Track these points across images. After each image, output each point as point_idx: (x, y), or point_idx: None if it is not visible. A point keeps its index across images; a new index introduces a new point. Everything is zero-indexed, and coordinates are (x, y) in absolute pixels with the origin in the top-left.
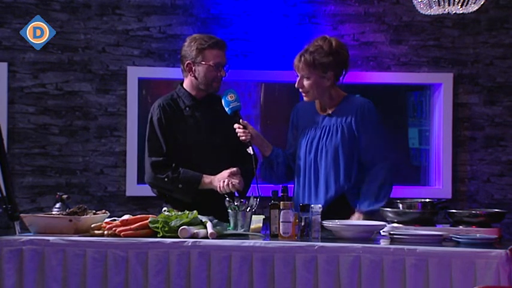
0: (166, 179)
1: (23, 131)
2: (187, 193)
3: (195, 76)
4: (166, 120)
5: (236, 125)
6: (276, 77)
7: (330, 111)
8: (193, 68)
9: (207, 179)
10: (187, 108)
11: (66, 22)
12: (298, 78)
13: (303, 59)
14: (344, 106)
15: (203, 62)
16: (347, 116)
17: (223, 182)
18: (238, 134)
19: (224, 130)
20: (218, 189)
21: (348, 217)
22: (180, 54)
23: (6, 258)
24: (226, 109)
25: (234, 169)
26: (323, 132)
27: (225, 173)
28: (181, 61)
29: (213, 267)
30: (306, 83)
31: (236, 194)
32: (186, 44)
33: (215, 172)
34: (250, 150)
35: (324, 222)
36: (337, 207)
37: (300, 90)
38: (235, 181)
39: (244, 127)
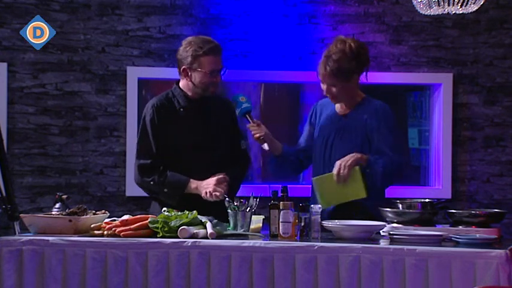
0: (152, 183)
1: (23, 131)
2: (172, 197)
3: (191, 81)
4: (159, 121)
5: (249, 125)
6: (276, 77)
7: (347, 112)
8: (190, 73)
9: (193, 184)
10: (181, 109)
11: (66, 22)
12: (325, 86)
13: (328, 68)
14: (361, 109)
15: (199, 69)
16: (362, 119)
17: (208, 191)
18: (253, 133)
19: (218, 132)
20: (202, 196)
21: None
22: (176, 57)
23: (6, 259)
24: (237, 110)
25: (221, 176)
26: (337, 133)
27: (212, 180)
28: (177, 64)
29: (212, 267)
30: (333, 90)
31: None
32: (181, 48)
33: (205, 174)
34: (265, 146)
35: (323, 222)
36: (344, 209)
37: (328, 96)
38: (219, 191)
39: (258, 125)
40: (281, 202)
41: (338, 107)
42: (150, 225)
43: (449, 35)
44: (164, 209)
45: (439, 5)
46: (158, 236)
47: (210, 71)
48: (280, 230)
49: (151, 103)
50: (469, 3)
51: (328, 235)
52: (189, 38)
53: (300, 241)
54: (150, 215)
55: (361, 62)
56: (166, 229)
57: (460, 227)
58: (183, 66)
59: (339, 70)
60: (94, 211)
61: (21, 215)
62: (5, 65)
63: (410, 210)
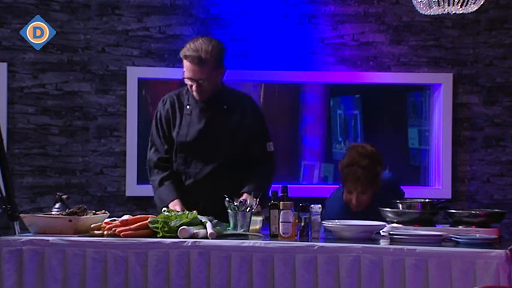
0: (150, 183)
1: (23, 131)
2: (158, 205)
3: None
4: (166, 114)
5: None
6: (276, 77)
7: (367, 205)
8: None
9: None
10: (188, 106)
11: (66, 22)
12: (355, 195)
13: (360, 179)
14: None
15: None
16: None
17: None
18: None
19: (225, 135)
20: None
21: None
22: None
23: (6, 259)
24: None
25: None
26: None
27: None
28: None
29: (212, 267)
30: (364, 197)
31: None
32: None
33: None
34: None
35: (323, 222)
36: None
37: (354, 202)
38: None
39: None
40: (281, 202)
41: (351, 201)
42: (150, 225)
43: (449, 35)
44: (164, 209)
45: (439, 5)
46: (158, 236)
47: (185, 75)
48: (280, 230)
49: (163, 98)
50: (469, 3)
51: (328, 235)
52: (195, 38)
53: (300, 241)
54: (150, 215)
55: (382, 163)
56: (166, 229)
57: (460, 227)
58: None
59: (374, 179)
60: (94, 211)
61: (21, 215)
62: (5, 65)
63: (410, 210)
